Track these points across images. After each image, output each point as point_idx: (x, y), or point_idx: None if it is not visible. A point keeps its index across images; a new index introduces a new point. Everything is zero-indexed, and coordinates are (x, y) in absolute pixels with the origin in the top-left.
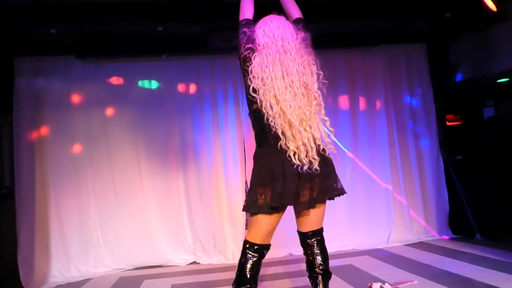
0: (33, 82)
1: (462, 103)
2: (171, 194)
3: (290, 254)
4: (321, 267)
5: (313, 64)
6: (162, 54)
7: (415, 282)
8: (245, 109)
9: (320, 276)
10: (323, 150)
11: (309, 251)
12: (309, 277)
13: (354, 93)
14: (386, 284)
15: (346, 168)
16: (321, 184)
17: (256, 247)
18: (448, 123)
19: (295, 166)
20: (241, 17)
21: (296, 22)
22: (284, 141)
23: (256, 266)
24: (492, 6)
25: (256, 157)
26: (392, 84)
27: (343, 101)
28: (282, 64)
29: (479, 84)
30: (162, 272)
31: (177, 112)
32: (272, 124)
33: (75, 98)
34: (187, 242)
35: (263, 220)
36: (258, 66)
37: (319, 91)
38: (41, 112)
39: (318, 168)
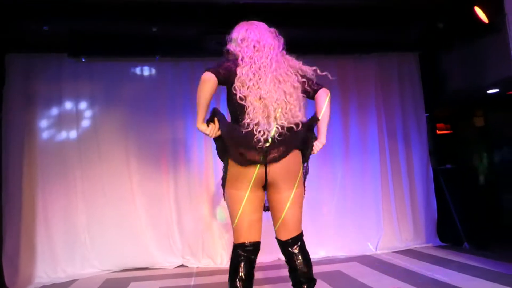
0: (24, 79)
1: (453, 113)
2: (160, 196)
3: (279, 258)
4: (305, 276)
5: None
6: (155, 55)
7: None
8: None
9: (305, 286)
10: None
11: (292, 260)
12: (293, 285)
13: (346, 100)
14: None
15: (336, 174)
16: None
17: (247, 248)
18: (438, 132)
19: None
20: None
21: None
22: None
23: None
24: (484, 18)
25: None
26: (383, 91)
27: (335, 108)
28: (266, 68)
29: (470, 94)
30: (149, 275)
31: (169, 114)
32: (250, 118)
33: (66, 97)
34: (176, 244)
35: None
36: (242, 77)
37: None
38: (31, 110)
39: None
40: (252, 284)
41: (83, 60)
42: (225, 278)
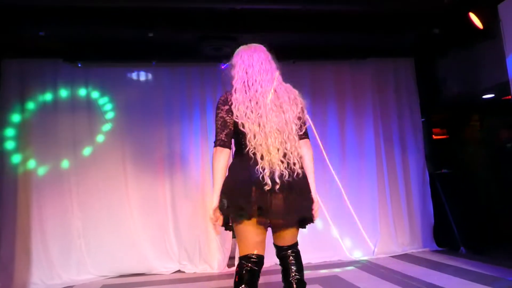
0: (20, 84)
1: (449, 117)
2: (157, 201)
3: (276, 264)
4: (296, 277)
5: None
6: (152, 60)
7: None
8: None
9: (294, 285)
10: (297, 174)
11: (285, 262)
12: (284, 287)
13: (342, 104)
14: None
15: (333, 179)
16: (294, 206)
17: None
18: (434, 137)
19: (263, 183)
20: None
21: None
22: (257, 159)
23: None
24: (479, 24)
25: (232, 168)
26: (380, 96)
27: (332, 112)
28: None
29: (465, 99)
30: (146, 281)
31: (166, 118)
32: (252, 146)
33: (62, 102)
34: (172, 250)
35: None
36: (240, 104)
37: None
38: (26, 114)
39: (286, 187)
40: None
41: (79, 65)
42: (222, 283)
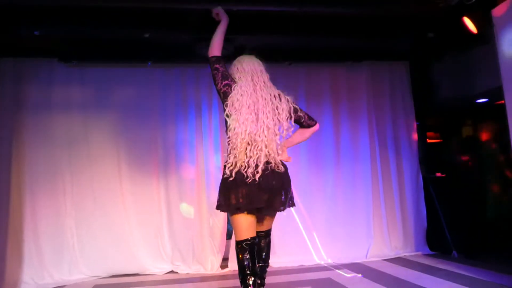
0: (14, 83)
1: (443, 121)
2: (151, 202)
3: (270, 266)
4: (264, 258)
5: (279, 94)
6: (147, 60)
7: None
8: None
9: (259, 265)
10: (277, 167)
11: (259, 244)
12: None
13: (337, 108)
14: None
15: (327, 181)
16: (272, 200)
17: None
18: (428, 141)
19: (230, 179)
20: (211, 54)
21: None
22: (230, 156)
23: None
24: (473, 28)
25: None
26: (375, 100)
27: (327, 115)
28: (251, 95)
29: (459, 103)
30: (139, 281)
31: (161, 119)
32: (228, 141)
33: (57, 102)
34: (165, 250)
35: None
36: (234, 96)
37: (284, 117)
38: (21, 114)
39: (258, 179)
40: (255, 260)
41: (74, 63)
42: (215, 284)
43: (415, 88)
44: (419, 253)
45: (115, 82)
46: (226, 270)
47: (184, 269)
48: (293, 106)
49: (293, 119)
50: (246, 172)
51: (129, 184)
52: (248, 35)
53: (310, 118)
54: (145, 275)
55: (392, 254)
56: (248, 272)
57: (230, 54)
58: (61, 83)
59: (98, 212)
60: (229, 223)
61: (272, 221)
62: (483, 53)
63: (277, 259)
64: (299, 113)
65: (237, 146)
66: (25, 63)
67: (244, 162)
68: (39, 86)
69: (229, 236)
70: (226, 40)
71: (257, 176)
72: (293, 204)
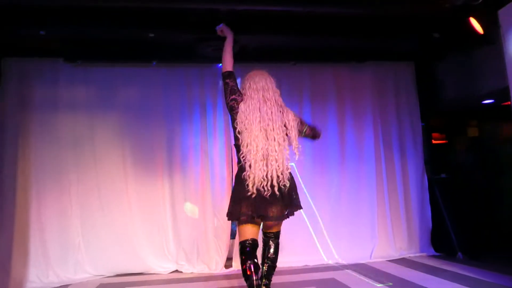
0: (20, 83)
1: (448, 122)
2: (156, 202)
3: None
4: (271, 258)
5: (287, 110)
6: (152, 60)
7: None
8: None
9: (267, 264)
10: (288, 179)
11: (265, 244)
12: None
13: (342, 108)
14: None
15: (332, 182)
16: (283, 208)
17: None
18: (434, 141)
19: (248, 193)
20: (223, 69)
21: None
22: (247, 173)
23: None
24: (479, 29)
25: (236, 177)
26: (379, 100)
27: (331, 115)
28: (260, 111)
29: (465, 104)
30: (143, 280)
31: (165, 119)
32: (243, 158)
33: (62, 101)
34: (170, 250)
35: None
36: (242, 114)
37: (290, 134)
38: (27, 114)
39: (277, 193)
40: (255, 256)
41: (79, 63)
42: (219, 284)
43: (420, 89)
44: (424, 254)
45: (120, 82)
46: (230, 269)
47: (188, 269)
48: (299, 119)
49: (301, 133)
50: (263, 186)
51: (134, 183)
52: (252, 35)
53: (314, 130)
54: (150, 275)
55: (396, 255)
56: (246, 257)
57: (235, 53)
58: (66, 83)
59: (103, 212)
60: (233, 223)
61: (281, 224)
62: (489, 54)
63: (281, 259)
64: (305, 127)
65: (251, 162)
66: (30, 63)
67: (260, 177)
68: (44, 86)
69: (233, 236)
70: None
71: (275, 189)
72: (299, 207)
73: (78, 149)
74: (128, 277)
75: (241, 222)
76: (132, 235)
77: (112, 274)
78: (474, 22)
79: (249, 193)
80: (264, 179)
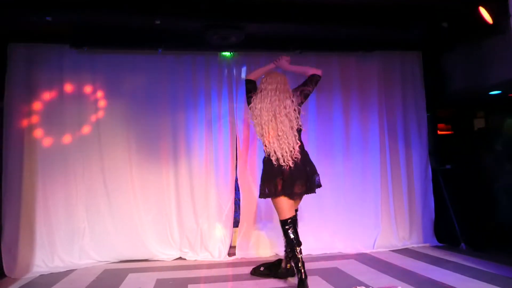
0: (26, 69)
1: (454, 113)
2: (160, 189)
3: (276, 254)
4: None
5: (292, 101)
6: (158, 47)
7: None
8: (238, 107)
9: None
10: (301, 153)
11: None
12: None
13: (347, 98)
14: None
15: (336, 171)
16: (307, 182)
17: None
18: (439, 132)
19: (282, 168)
20: (247, 77)
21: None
22: (273, 152)
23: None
24: (489, 19)
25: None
26: (385, 90)
27: (337, 105)
28: (270, 99)
29: (472, 95)
30: (147, 266)
31: (171, 106)
32: (264, 144)
33: (68, 88)
34: (174, 237)
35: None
36: (254, 106)
37: (295, 120)
38: (32, 100)
39: (292, 166)
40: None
41: (85, 49)
42: (223, 271)
43: (427, 79)
44: (427, 244)
45: (126, 68)
46: (233, 257)
47: (192, 256)
48: (298, 98)
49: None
50: (284, 161)
51: (139, 170)
52: (259, 23)
53: (312, 80)
54: (154, 261)
55: (399, 245)
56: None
57: (240, 42)
58: (72, 69)
59: (108, 199)
60: (236, 211)
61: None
62: (498, 44)
63: (284, 248)
64: (305, 91)
65: (269, 144)
66: (36, 49)
67: (278, 153)
68: (51, 72)
69: (236, 225)
70: (237, 27)
71: (291, 163)
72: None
73: (83, 136)
74: (132, 263)
75: (274, 196)
76: (137, 222)
77: (116, 260)
78: (483, 11)
79: (276, 166)
80: (282, 155)
